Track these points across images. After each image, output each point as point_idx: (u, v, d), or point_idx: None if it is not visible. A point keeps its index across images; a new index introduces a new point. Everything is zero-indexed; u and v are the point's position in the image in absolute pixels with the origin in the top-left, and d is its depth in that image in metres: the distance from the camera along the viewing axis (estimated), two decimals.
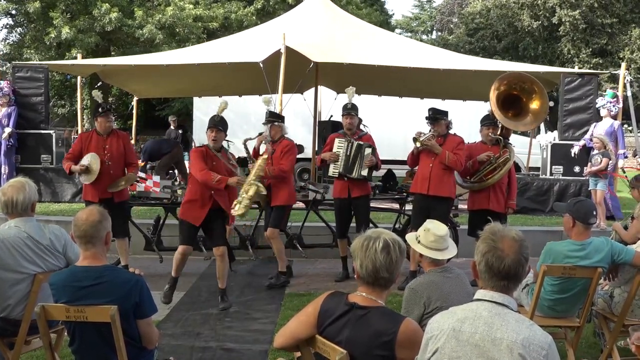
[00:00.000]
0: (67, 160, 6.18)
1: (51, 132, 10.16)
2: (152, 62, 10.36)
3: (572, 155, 9.50)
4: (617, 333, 3.95)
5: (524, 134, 12.70)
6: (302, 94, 11.40)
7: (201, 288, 6.25)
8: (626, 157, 11.46)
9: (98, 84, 11.38)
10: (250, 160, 6.49)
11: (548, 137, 13.45)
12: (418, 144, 6.04)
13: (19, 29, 21.03)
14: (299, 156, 7.09)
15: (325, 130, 12.21)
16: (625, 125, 16.13)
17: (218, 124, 5.52)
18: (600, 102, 9.38)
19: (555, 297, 3.90)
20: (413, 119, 11.12)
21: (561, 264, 3.75)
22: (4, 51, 21.24)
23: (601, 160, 8.48)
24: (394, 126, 13.75)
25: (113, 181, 6.13)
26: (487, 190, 6.26)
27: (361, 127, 6.78)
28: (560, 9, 27.97)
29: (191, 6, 17.06)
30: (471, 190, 6.44)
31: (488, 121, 6.43)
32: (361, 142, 6.35)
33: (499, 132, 6.42)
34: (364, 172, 6.30)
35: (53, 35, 16.15)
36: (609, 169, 8.57)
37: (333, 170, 6.39)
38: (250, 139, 6.59)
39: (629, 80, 9.55)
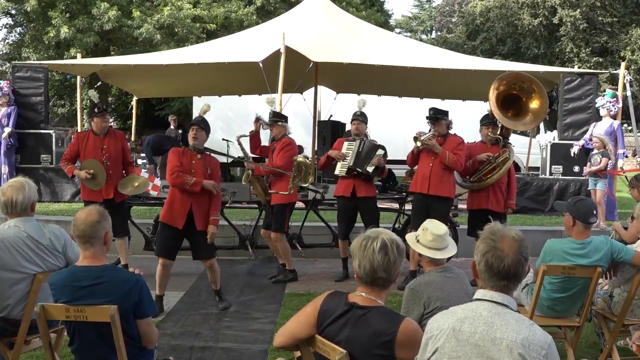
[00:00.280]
0: (65, 161, 6.16)
1: (51, 132, 10.16)
2: (152, 62, 10.36)
3: (572, 155, 9.50)
4: (616, 333, 3.95)
5: (523, 133, 12.70)
6: (301, 93, 11.40)
7: (201, 288, 6.24)
8: (626, 156, 11.44)
9: (98, 84, 11.39)
10: (246, 157, 6.50)
11: (548, 137, 13.45)
12: (418, 143, 6.04)
13: (18, 29, 21.02)
14: None
15: (325, 130, 12.22)
16: (625, 125, 16.14)
17: (199, 122, 5.33)
18: (599, 101, 9.38)
19: (555, 297, 3.90)
20: (413, 118, 11.13)
21: (561, 263, 3.75)
22: (4, 51, 21.23)
23: (600, 160, 8.48)
24: (394, 126, 13.75)
25: (113, 181, 6.13)
26: (487, 190, 6.26)
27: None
28: (562, 9, 27.96)
29: (189, 6, 17.03)
30: (470, 189, 6.43)
31: (488, 121, 6.42)
32: (376, 142, 6.47)
33: (498, 132, 6.42)
34: (370, 169, 6.31)
35: (52, 35, 16.14)
36: (608, 169, 8.57)
37: (340, 168, 6.40)
38: (245, 135, 6.59)
39: (629, 80, 9.55)
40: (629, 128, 17.44)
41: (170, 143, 12.05)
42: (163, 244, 5.30)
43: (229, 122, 15.08)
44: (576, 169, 9.52)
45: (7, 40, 21.35)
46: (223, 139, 11.82)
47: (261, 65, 8.44)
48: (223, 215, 7.36)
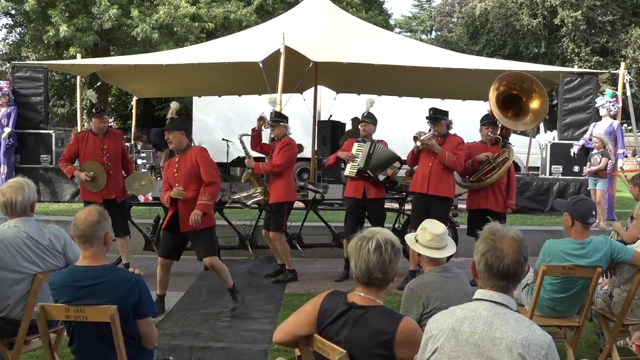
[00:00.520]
0: (64, 162, 6.16)
1: (51, 132, 10.16)
2: (152, 62, 10.35)
3: (572, 154, 9.50)
4: (616, 333, 3.95)
5: (523, 133, 12.71)
6: (301, 93, 11.40)
7: (201, 288, 6.24)
8: (626, 156, 11.45)
9: (97, 84, 11.38)
10: (247, 156, 6.51)
11: (547, 137, 13.45)
12: (418, 143, 6.04)
13: (18, 29, 21.02)
14: (298, 156, 7.10)
15: (325, 130, 12.22)
16: (625, 125, 16.14)
17: (167, 126, 5.21)
18: (599, 101, 9.38)
19: (554, 297, 3.89)
20: (412, 118, 11.13)
21: (560, 264, 3.75)
22: (3, 51, 21.23)
23: (600, 160, 8.48)
24: (394, 126, 13.75)
25: (113, 181, 6.14)
26: (486, 190, 6.26)
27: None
28: (562, 10, 27.96)
29: (186, 4, 16.99)
30: (470, 189, 6.43)
31: (488, 120, 6.42)
32: (395, 154, 6.38)
33: (499, 132, 6.41)
34: (381, 177, 6.29)
35: (51, 34, 16.13)
36: (608, 169, 8.57)
37: (350, 170, 6.38)
38: (247, 135, 6.60)
39: (629, 79, 9.55)
40: (629, 128, 17.44)
41: None
42: (162, 244, 5.37)
43: (229, 122, 15.09)
44: (576, 168, 9.52)
45: (7, 41, 21.35)
46: (223, 139, 11.83)
47: (261, 65, 8.44)
48: (223, 215, 7.37)
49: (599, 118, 9.38)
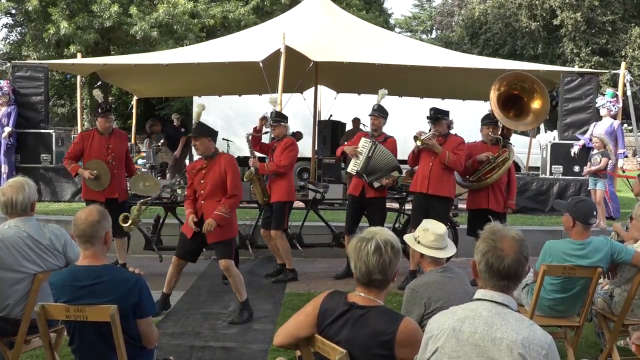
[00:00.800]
0: (69, 160, 6.17)
1: (51, 131, 10.16)
2: (152, 62, 10.36)
3: (572, 154, 9.50)
4: (616, 333, 3.95)
5: (523, 133, 12.71)
6: (301, 93, 11.41)
7: (201, 287, 6.24)
8: (626, 156, 11.45)
9: (98, 84, 11.39)
10: (252, 155, 6.50)
11: (548, 137, 13.45)
12: (419, 143, 6.04)
13: (18, 28, 21.02)
14: (298, 156, 7.11)
15: (325, 129, 12.23)
16: (625, 125, 16.14)
17: (194, 132, 5.10)
18: (600, 101, 9.38)
19: (555, 297, 3.89)
20: (413, 118, 11.13)
21: (561, 264, 3.75)
22: (4, 50, 21.23)
23: (600, 160, 8.48)
24: (394, 126, 13.73)
25: (117, 181, 6.17)
26: (486, 190, 6.25)
27: (360, 126, 6.80)
28: (562, 11, 27.95)
29: (185, 1, 16.97)
30: (470, 189, 6.43)
31: (488, 120, 6.41)
32: (396, 164, 6.25)
33: (499, 132, 6.41)
34: (376, 184, 6.24)
35: (52, 32, 16.12)
36: (608, 169, 8.57)
37: (352, 167, 6.36)
38: (253, 134, 6.60)
39: (629, 79, 9.55)
40: (629, 128, 17.44)
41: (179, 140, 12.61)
42: (180, 244, 5.24)
43: (229, 121, 15.09)
44: (576, 168, 9.51)
45: (7, 40, 21.35)
46: (223, 139, 11.82)
47: (261, 65, 8.45)
48: None
49: (599, 118, 9.38)
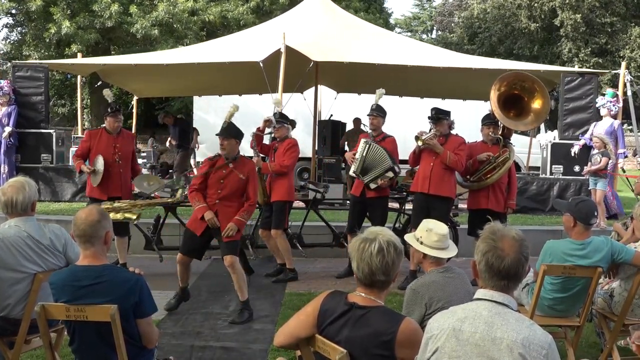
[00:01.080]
0: (77, 158, 6.27)
1: (51, 131, 10.17)
2: (152, 62, 10.36)
3: (573, 154, 9.50)
4: (617, 332, 3.95)
5: (524, 133, 12.70)
6: (302, 93, 11.40)
7: (201, 287, 6.24)
8: (626, 156, 11.45)
9: (98, 83, 11.39)
10: (256, 154, 6.51)
11: (548, 137, 13.45)
12: (420, 143, 6.04)
13: (19, 28, 21.01)
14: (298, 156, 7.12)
15: (325, 129, 12.22)
16: (625, 125, 16.14)
17: (222, 132, 5.16)
18: (600, 101, 9.38)
19: (555, 297, 3.89)
20: (413, 118, 11.13)
21: (561, 264, 3.75)
22: (4, 50, 21.22)
23: (600, 160, 8.48)
24: (394, 125, 13.73)
25: (123, 180, 6.20)
26: (487, 190, 6.25)
27: (361, 126, 6.81)
28: (562, 12, 27.94)
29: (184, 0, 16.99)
30: (471, 189, 6.43)
31: (489, 120, 6.41)
32: (389, 164, 6.20)
33: (500, 132, 6.40)
34: (372, 185, 6.24)
35: (53, 31, 16.13)
36: (608, 169, 8.57)
37: (353, 170, 6.40)
38: (258, 133, 6.61)
39: (629, 79, 9.55)
40: (630, 128, 17.44)
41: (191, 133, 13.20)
42: (185, 242, 5.25)
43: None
44: (577, 168, 9.51)
45: (8, 40, 21.35)
46: None
47: (261, 64, 8.45)
48: None
49: (599, 118, 9.38)
